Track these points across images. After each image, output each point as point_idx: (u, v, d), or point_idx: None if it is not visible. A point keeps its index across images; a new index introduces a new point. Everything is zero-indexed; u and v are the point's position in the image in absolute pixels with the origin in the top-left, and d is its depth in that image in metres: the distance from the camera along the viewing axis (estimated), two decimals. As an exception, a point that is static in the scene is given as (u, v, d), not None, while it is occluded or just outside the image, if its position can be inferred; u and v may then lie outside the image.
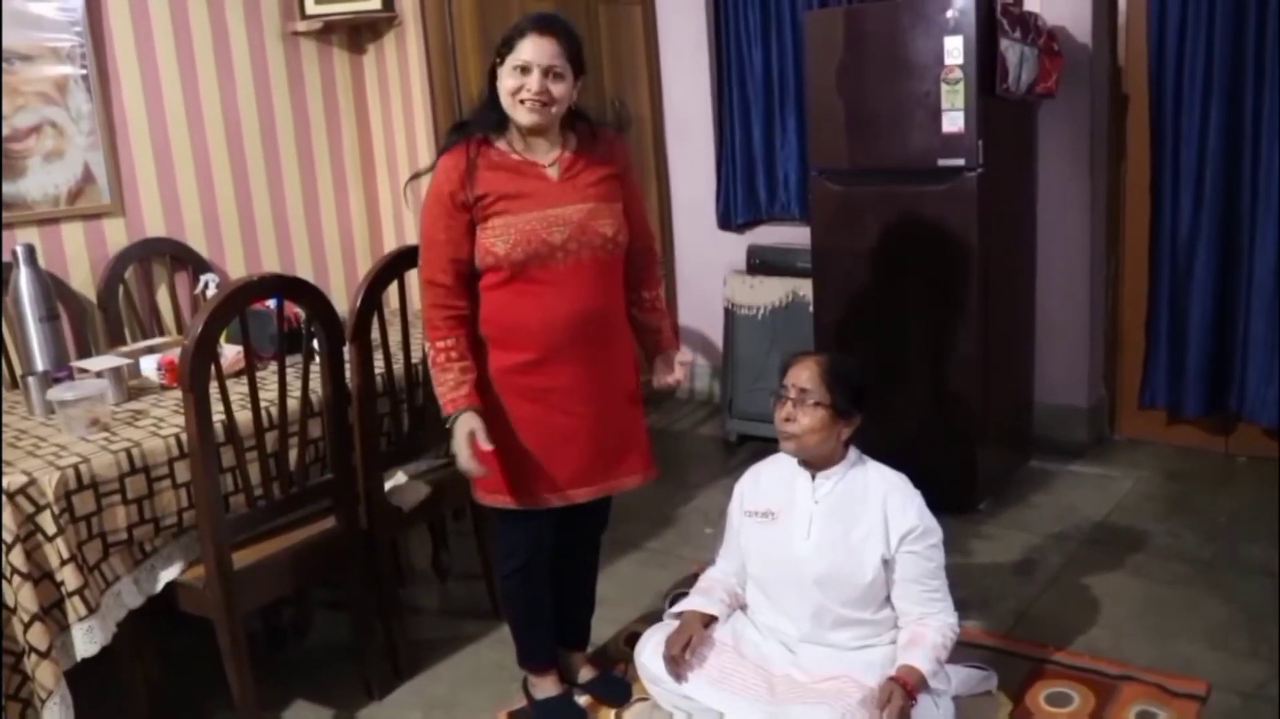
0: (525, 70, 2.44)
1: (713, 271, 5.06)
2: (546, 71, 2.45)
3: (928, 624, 2.55)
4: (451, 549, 3.62)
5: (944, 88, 3.65)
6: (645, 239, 2.76)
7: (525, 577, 2.73)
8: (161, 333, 3.83)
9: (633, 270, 2.73)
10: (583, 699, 2.86)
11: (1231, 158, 4.02)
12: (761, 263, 4.71)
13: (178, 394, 2.86)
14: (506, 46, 2.47)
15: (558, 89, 2.46)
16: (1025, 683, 2.82)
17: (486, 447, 2.46)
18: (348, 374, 2.86)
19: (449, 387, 2.50)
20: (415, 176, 2.64)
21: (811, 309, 4.17)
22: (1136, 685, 2.78)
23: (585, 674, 2.92)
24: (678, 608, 2.79)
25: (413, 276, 2.98)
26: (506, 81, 2.47)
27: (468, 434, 2.46)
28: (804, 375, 2.55)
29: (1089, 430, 4.48)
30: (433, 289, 2.51)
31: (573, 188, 2.54)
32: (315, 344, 2.79)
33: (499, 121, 2.52)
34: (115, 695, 2.73)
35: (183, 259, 3.97)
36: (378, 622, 3.04)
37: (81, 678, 2.48)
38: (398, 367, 3.08)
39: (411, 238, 4.08)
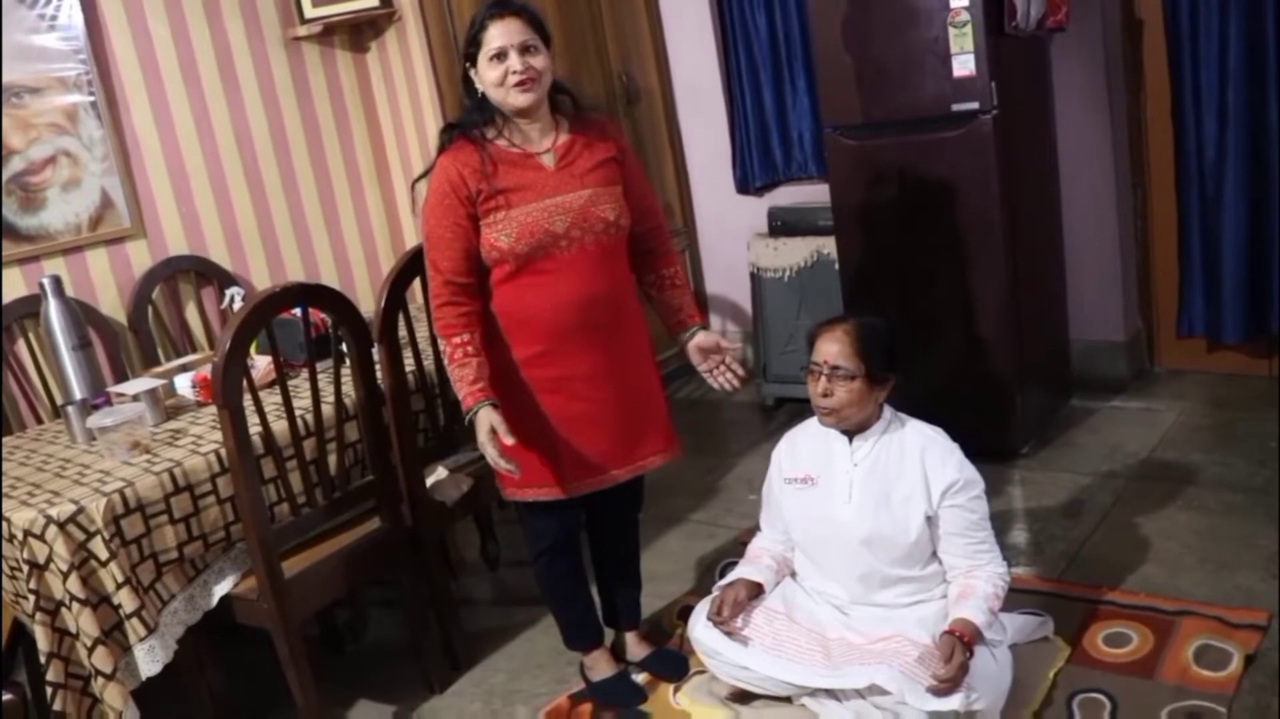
0: (501, 56, 2.46)
1: (735, 237, 5.05)
2: (522, 49, 2.46)
3: (977, 576, 2.56)
4: (499, 538, 3.66)
5: (951, 31, 3.61)
6: (652, 218, 2.75)
7: (552, 558, 2.77)
8: (193, 350, 3.88)
9: (645, 250, 2.74)
10: (640, 676, 2.89)
11: (1254, 74, 3.95)
12: (783, 224, 4.69)
13: (214, 410, 2.89)
14: (474, 45, 2.50)
15: (538, 62, 2.48)
16: (1081, 626, 2.82)
17: (509, 440, 2.47)
18: (379, 375, 2.89)
19: (466, 382, 2.52)
20: (420, 178, 2.65)
21: (837, 267, 4.16)
22: (1195, 620, 2.77)
23: (640, 651, 2.95)
24: (725, 579, 2.81)
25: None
26: (488, 75, 2.49)
27: (489, 430, 2.47)
28: (834, 350, 2.55)
29: (1129, 364, 4.45)
30: (442, 288, 2.53)
31: (570, 175, 2.55)
32: (344, 348, 2.82)
33: (488, 119, 2.54)
34: (183, 711, 2.78)
35: (207, 275, 4.02)
36: (432, 616, 3.08)
37: (149, 696, 2.54)
38: (428, 362, 3.10)
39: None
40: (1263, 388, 4.21)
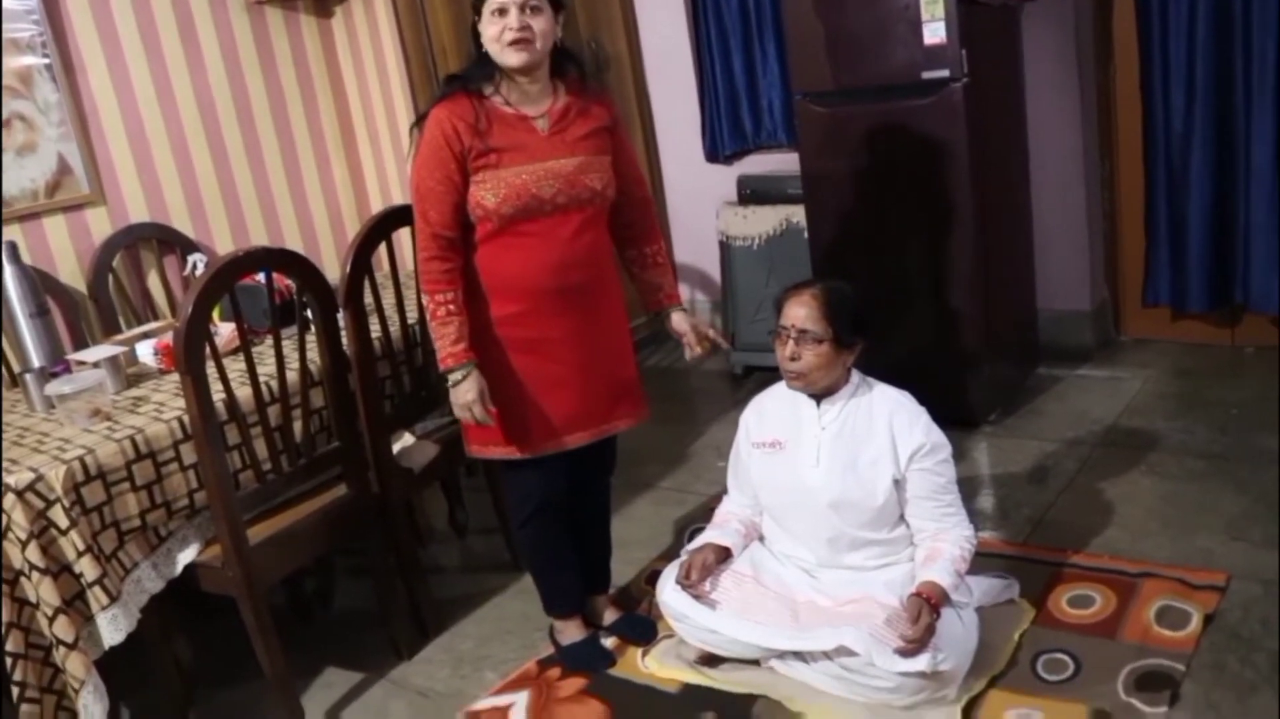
0: (503, 11, 2.45)
1: (704, 205, 5.05)
2: (524, 7, 2.45)
3: (944, 539, 2.59)
4: (467, 505, 3.66)
5: (922, -1, 3.62)
6: (638, 191, 2.76)
7: (541, 522, 2.77)
8: (155, 317, 3.85)
9: (630, 224, 2.74)
10: (609, 641, 2.90)
11: (1222, 48, 3.97)
12: (752, 193, 4.69)
13: (177, 377, 2.87)
14: None
15: (538, 23, 2.47)
16: (1046, 588, 2.86)
17: (492, 409, 2.54)
18: (344, 341, 2.87)
19: (449, 341, 2.52)
20: (416, 124, 2.61)
21: (806, 235, 4.17)
22: (1157, 582, 2.81)
23: (609, 616, 2.97)
24: (694, 544, 2.82)
25: (402, 237, 3.00)
26: (489, 30, 2.47)
27: (480, 394, 2.52)
28: (801, 314, 2.56)
29: (1094, 333, 4.49)
30: (430, 241, 2.53)
31: (562, 141, 2.55)
32: (309, 314, 2.80)
33: (490, 74, 2.53)
34: (148, 680, 2.77)
35: (170, 242, 3.98)
36: (400, 583, 3.08)
37: (113, 665, 2.53)
38: (394, 329, 3.09)
39: (399, 201, 4.08)
40: (1225, 357, 4.27)
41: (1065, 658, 2.58)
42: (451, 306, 2.53)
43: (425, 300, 2.56)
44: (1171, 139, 4.17)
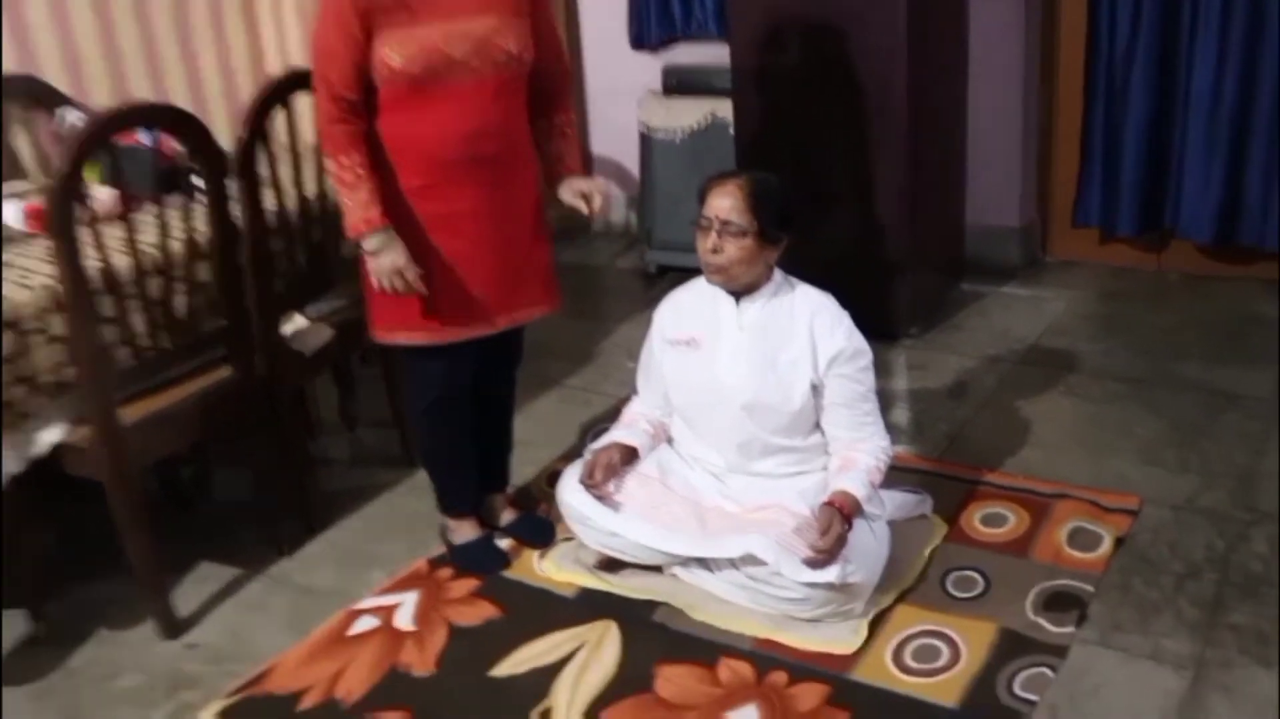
0: None
1: (626, 95, 4.92)
2: None
3: (859, 449, 2.58)
4: (359, 396, 3.59)
5: (867, -115, 3.53)
6: (557, 57, 2.69)
7: (441, 414, 2.72)
8: (22, 179, 3.64)
9: (542, 92, 2.66)
10: (504, 542, 2.88)
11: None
12: (678, 84, 4.61)
13: (46, 242, 2.72)
14: None
15: None
16: (960, 505, 2.89)
17: (419, 270, 2.50)
18: (235, 212, 2.75)
19: (361, 205, 2.45)
20: None
21: (732, 130, 4.11)
22: (1070, 503, 2.86)
23: (506, 516, 2.94)
24: (598, 443, 2.79)
25: (304, 105, 2.86)
26: None
27: (409, 257, 2.47)
28: (726, 204, 2.51)
29: (1021, 252, 4.51)
30: (332, 104, 2.44)
31: (479, 1, 2.45)
32: (198, 181, 2.67)
33: None
34: (4, 570, 2.66)
35: (40, 97, 3.75)
36: (285, 474, 3.00)
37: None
38: (290, 202, 2.96)
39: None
40: (1150, 282, 4.34)
41: (975, 575, 2.61)
42: (360, 170, 2.44)
43: (329, 165, 2.48)
44: (1114, 60, 4.17)
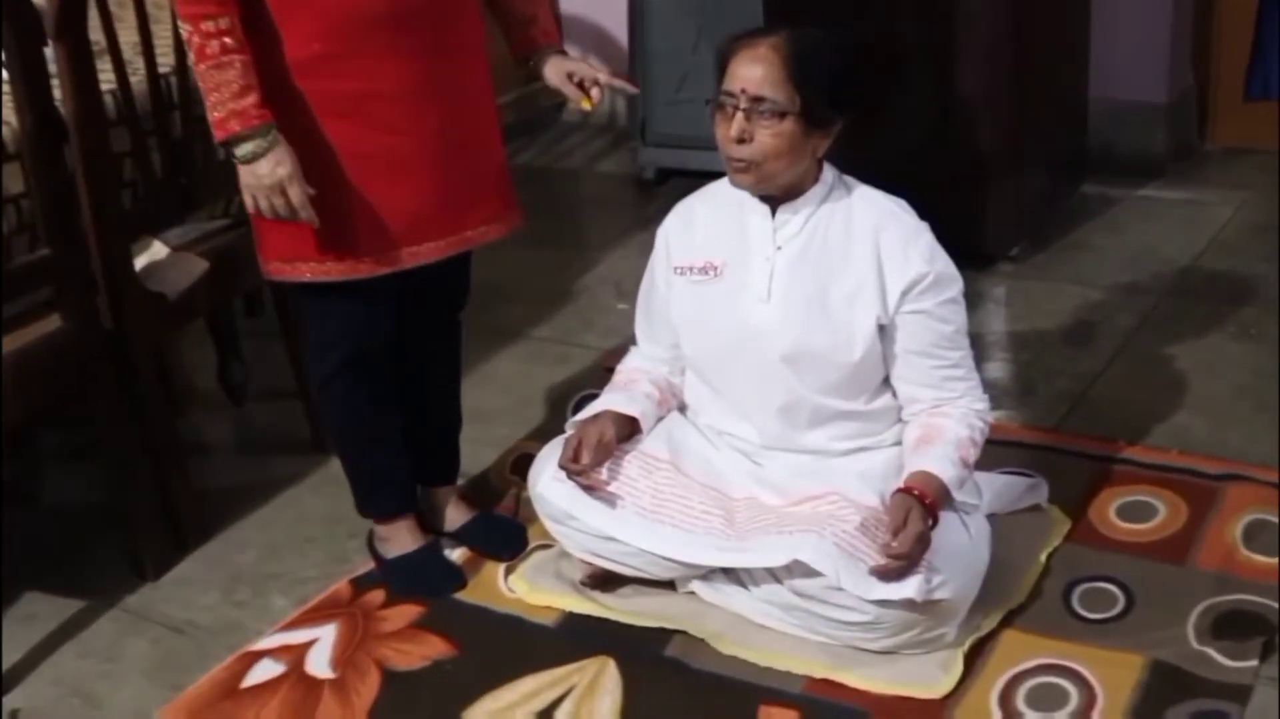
0: None
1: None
2: None
3: (946, 413, 2.59)
4: (247, 357, 3.61)
5: None
6: None
7: (354, 378, 2.74)
8: None
9: None
10: (455, 553, 2.91)
11: None
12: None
13: None
14: None
15: None
16: (1088, 492, 2.91)
17: (309, 191, 2.46)
18: (58, 93, 2.76)
19: (230, 93, 2.42)
20: None
21: (759, -26, 4.11)
22: (1246, 488, 2.88)
23: (457, 517, 2.97)
24: (584, 413, 2.80)
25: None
26: None
27: (296, 166, 2.45)
28: (756, 72, 2.49)
29: (1170, 138, 4.53)
30: None
31: None
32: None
33: None
34: None
35: None
36: (145, 468, 3.02)
37: None
38: (137, 79, 2.98)
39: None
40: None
41: (1113, 589, 2.64)
42: (228, 39, 2.42)
43: (185, 33, 2.45)
44: None
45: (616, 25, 4.96)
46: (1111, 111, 4.47)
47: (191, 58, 2.46)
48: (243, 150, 2.45)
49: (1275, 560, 2.66)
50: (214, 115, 2.45)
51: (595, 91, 2.70)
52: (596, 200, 4.78)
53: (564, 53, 2.76)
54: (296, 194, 2.46)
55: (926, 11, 3.83)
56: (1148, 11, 4.41)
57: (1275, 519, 2.77)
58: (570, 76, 2.71)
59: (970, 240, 3.80)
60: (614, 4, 4.91)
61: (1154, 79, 4.48)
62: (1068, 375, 3.40)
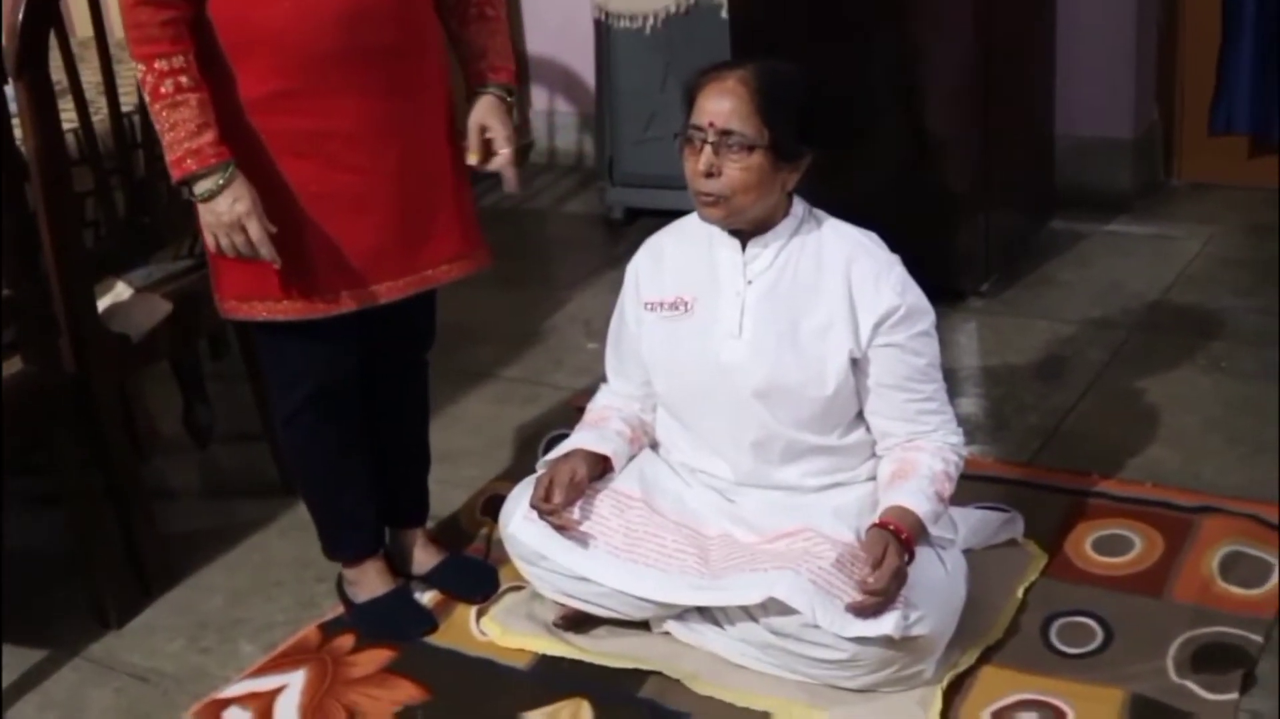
0: None
1: (575, -30, 4.96)
2: None
3: (921, 448, 2.59)
4: (212, 399, 3.60)
5: None
6: None
7: (317, 419, 2.72)
8: None
9: None
10: (426, 596, 2.89)
11: None
12: (646, -53, 4.64)
13: None
14: None
15: None
16: (1063, 526, 2.92)
17: (269, 228, 2.44)
18: (18, 133, 2.75)
19: (186, 132, 2.41)
20: None
21: (725, 13, 4.15)
22: (1221, 519, 2.88)
23: (426, 560, 2.95)
24: (555, 454, 2.79)
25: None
26: None
27: (255, 202, 2.43)
28: (724, 107, 2.49)
29: (1136, 173, 4.55)
30: None
31: None
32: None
33: None
34: None
35: None
36: (109, 513, 2.99)
37: None
38: (100, 118, 2.97)
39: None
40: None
41: (1090, 623, 2.63)
42: (182, 78, 2.41)
43: (139, 73, 2.44)
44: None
45: (584, 65, 4.99)
46: (1078, 148, 4.50)
47: (146, 98, 2.44)
48: (200, 188, 2.43)
49: (1252, 592, 2.66)
50: (170, 155, 2.44)
51: (495, 160, 2.67)
52: (564, 240, 4.80)
53: (504, 96, 2.72)
54: (255, 230, 2.44)
55: (894, 48, 3.85)
56: (1112, 49, 4.44)
57: (1251, 551, 2.77)
58: (482, 130, 2.68)
59: (940, 276, 3.79)
60: (581, 44, 4.93)
61: (1119, 115, 4.51)
62: (1040, 410, 3.40)
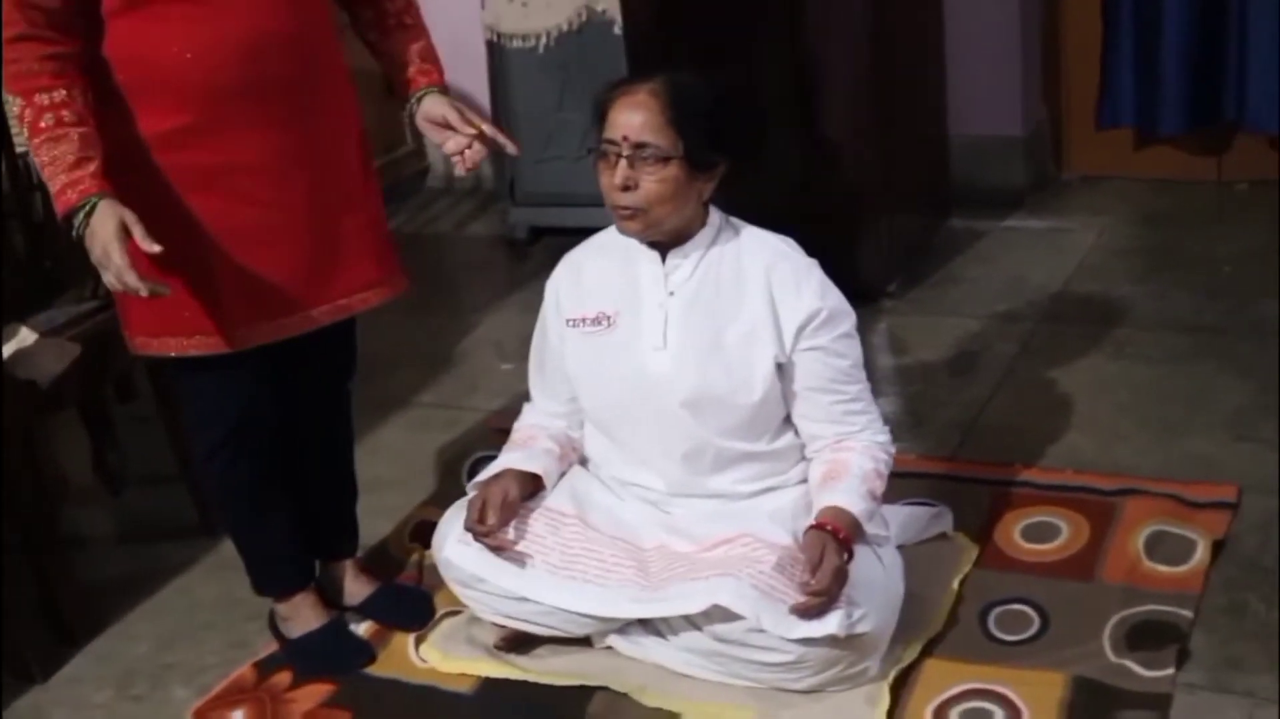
0: None
1: (464, -11, 4.95)
2: None
3: (850, 448, 2.60)
4: (123, 443, 3.55)
5: None
6: None
7: (235, 453, 2.69)
8: None
9: None
10: (361, 627, 2.87)
11: None
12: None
13: None
14: None
15: None
16: (991, 517, 2.95)
17: (152, 247, 2.30)
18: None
19: (64, 165, 2.33)
20: None
21: (618, 29, 4.16)
22: (1143, 500, 2.93)
23: (359, 590, 2.92)
24: (484, 475, 2.77)
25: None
26: None
27: (117, 229, 2.29)
28: (637, 118, 2.50)
29: (1028, 169, 4.62)
30: (23, 12, 2.33)
31: None
32: None
33: None
34: None
35: None
36: (22, 564, 2.95)
37: None
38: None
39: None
40: (1209, 196, 4.46)
41: (1027, 610, 2.66)
42: (64, 112, 2.34)
43: (17, 108, 2.37)
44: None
45: (477, 86, 4.96)
46: (971, 147, 4.56)
47: (25, 133, 2.38)
48: (79, 221, 2.32)
49: (1179, 569, 2.71)
50: (52, 190, 2.36)
51: (469, 153, 2.64)
52: (470, 263, 4.79)
53: (445, 93, 2.72)
54: (116, 256, 2.28)
55: (788, 57, 3.87)
56: (998, 51, 4.50)
57: (1174, 529, 2.82)
58: (441, 127, 2.66)
59: (847, 279, 3.78)
60: (474, 66, 4.91)
61: (1009, 114, 4.57)
62: (956, 405, 3.44)
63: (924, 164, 4.40)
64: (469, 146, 2.64)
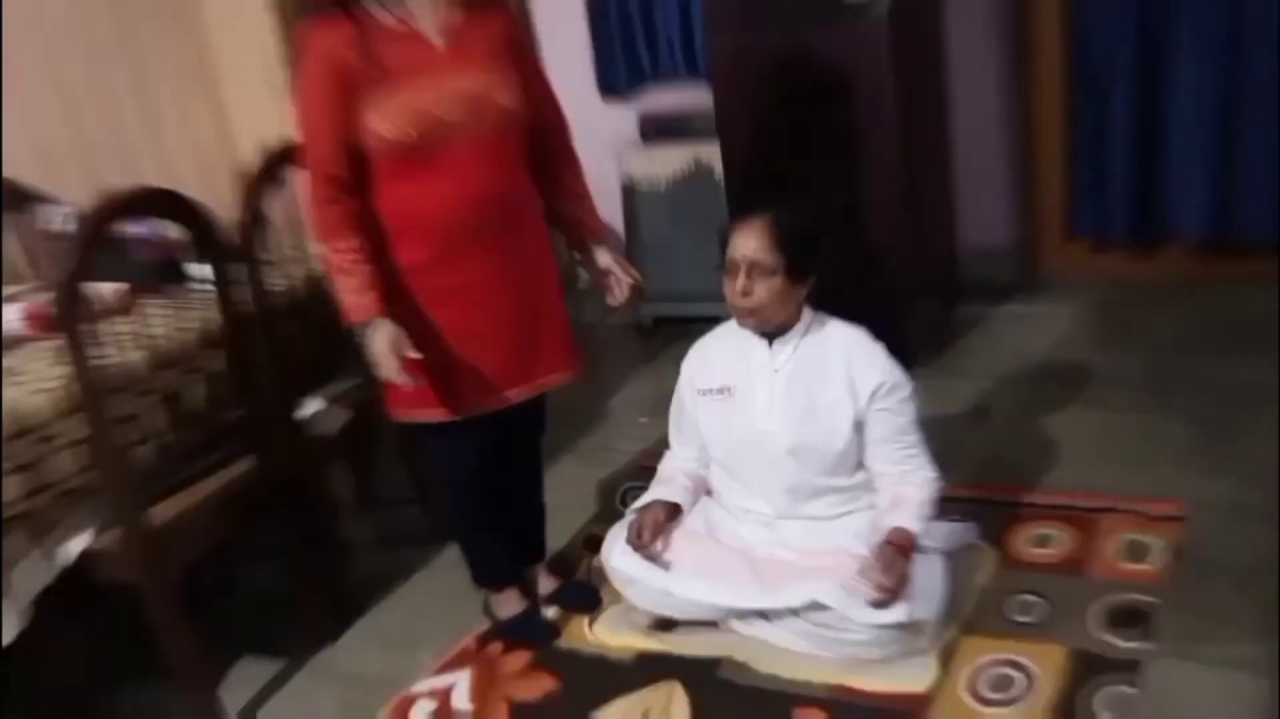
0: None
1: (601, 147, 4.92)
2: None
3: (909, 483, 2.62)
4: (377, 476, 3.56)
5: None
6: (552, 107, 2.68)
7: (470, 489, 2.72)
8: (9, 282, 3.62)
9: (545, 149, 2.66)
10: (550, 611, 2.88)
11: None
12: (657, 130, 4.67)
13: (51, 344, 2.70)
14: None
15: None
16: (1006, 530, 2.93)
17: (414, 354, 2.42)
18: (243, 296, 2.75)
19: (353, 291, 2.42)
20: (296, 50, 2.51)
21: (718, 175, 4.16)
22: (1116, 516, 2.91)
23: (547, 585, 2.93)
24: (638, 504, 2.80)
25: (298, 177, 2.88)
26: None
27: (390, 342, 2.40)
28: (752, 244, 2.54)
29: (1016, 268, 4.59)
30: (324, 184, 2.41)
31: (464, 57, 2.45)
32: (195, 269, 2.67)
33: None
34: (47, 679, 2.61)
35: (16, 198, 3.73)
36: (315, 562, 2.99)
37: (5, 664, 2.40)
38: (297, 281, 3.00)
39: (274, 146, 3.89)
40: (1151, 288, 4.39)
41: (1035, 599, 2.65)
42: (355, 254, 2.43)
43: (323, 250, 2.45)
44: (1094, 65, 4.23)
45: (613, 215, 4.93)
46: (975, 251, 4.54)
47: (329, 267, 2.47)
48: (366, 332, 2.44)
49: (1145, 567, 2.70)
50: (344, 307, 2.45)
51: (619, 291, 2.74)
52: (610, 343, 4.78)
53: (604, 244, 2.77)
54: (391, 363, 2.40)
55: (845, 191, 3.87)
56: (991, 179, 4.50)
57: (1141, 537, 2.81)
58: (605, 274, 2.73)
59: (891, 353, 3.82)
60: (609, 202, 4.84)
61: (999, 227, 4.56)
62: (975, 445, 3.41)
63: (944, 265, 4.38)
64: (623, 292, 2.73)
